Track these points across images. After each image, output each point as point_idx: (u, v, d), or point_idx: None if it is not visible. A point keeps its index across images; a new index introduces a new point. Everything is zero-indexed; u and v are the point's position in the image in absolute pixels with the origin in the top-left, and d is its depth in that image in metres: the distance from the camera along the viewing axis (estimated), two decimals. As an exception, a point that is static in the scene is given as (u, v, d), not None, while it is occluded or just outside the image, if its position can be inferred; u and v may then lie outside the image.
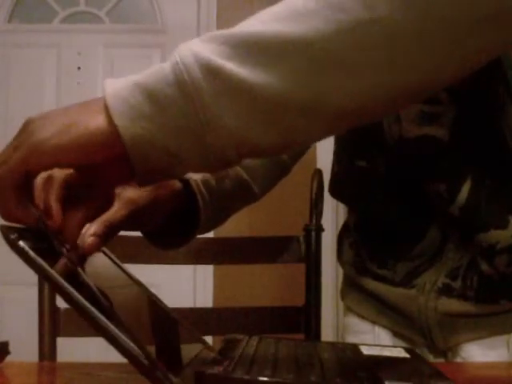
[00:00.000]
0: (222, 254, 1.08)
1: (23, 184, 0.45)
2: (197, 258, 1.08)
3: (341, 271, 0.92)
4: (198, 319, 1.03)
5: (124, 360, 0.42)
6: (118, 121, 0.43)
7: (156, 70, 0.44)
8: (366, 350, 0.57)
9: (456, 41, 0.43)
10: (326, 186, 0.97)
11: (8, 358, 0.64)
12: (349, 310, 0.88)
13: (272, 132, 0.44)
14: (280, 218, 2.60)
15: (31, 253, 0.42)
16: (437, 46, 0.42)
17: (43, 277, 0.42)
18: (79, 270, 0.44)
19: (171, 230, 0.64)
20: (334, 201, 2.76)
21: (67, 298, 0.41)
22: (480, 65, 0.45)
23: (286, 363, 0.49)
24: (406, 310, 0.77)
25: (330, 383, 0.44)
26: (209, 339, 0.57)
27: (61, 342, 0.97)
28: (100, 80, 2.73)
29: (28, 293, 1.30)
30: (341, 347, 0.59)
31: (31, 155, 0.44)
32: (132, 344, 0.41)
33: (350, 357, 0.55)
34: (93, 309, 0.41)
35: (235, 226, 2.69)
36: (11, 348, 0.64)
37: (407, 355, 0.57)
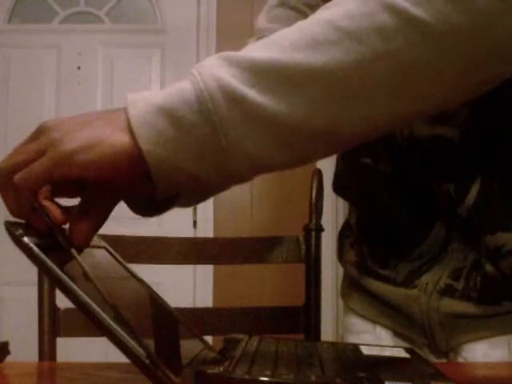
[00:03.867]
0: (222, 254, 1.08)
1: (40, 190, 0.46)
2: (197, 258, 1.08)
3: (341, 271, 0.92)
4: (198, 319, 1.03)
5: (124, 360, 0.42)
6: (144, 144, 0.44)
7: (178, 92, 0.45)
8: (366, 350, 0.57)
9: (464, 73, 0.45)
10: (326, 186, 0.97)
11: (8, 358, 0.64)
12: (349, 309, 0.88)
13: (287, 155, 0.46)
14: (280, 218, 2.60)
15: (35, 249, 0.43)
16: (447, 78, 0.45)
17: (46, 273, 0.42)
18: (85, 267, 0.44)
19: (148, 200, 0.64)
20: (334, 201, 2.76)
21: (70, 295, 0.41)
22: (485, 91, 0.48)
23: (287, 363, 0.49)
24: (408, 310, 0.77)
25: (331, 383, 0.44)
26: (209, 339, 0.57)
27: (61, 342, 0.97)
28: (100, 80, 2.73)
29: (28, 293, 1.30)
30: (341, 347, 0.59)
31: (57, 167, 0.45)
32: (134, 343, 0.41)
33: (350, 357, 0.55)
34: (96, 307, 0.41)
35: (235, 226, 2.70)
36: (11, 348, 0.64)
37: (408, 355, 0.57)
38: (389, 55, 0.44)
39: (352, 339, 0.85)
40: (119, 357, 0.43)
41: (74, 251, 0.46)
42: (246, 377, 0.43)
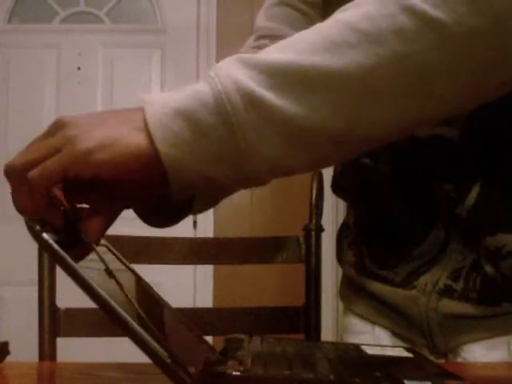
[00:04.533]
0: (222, 253, 1.08)
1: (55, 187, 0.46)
2: (197, 258, 1.08)
3: (341, 271, 0.92)
4: (198, 319, 1.03)
5: (124, 360, 0.42)
6: (161, 146, 0.44)
7: (196, 94, 0.45)
8: (368, 350, 0.57)
9: (481, 75, 0.46)
10: (326, 185, 0.97)
11: (8, 358, 0.64)
12: (348, 310, 0.88)
13: (305, 158, 0.46)
14: (280, 218, 2.60)
15: (55, 246, 0.43)
16: (464, 80, 0.45)
17: (65, 270, 0.42)
18: (108, 264, 0.44)
19: (162, 209, 0.64)
20: (334, 201, 2.75)
21: (91, 293, 0.42)
22: (501, 94, 0.48)
23: (299, 363, 0.49)
24: (407, 310, 0.77)
25: (351, 382, 0.43)
26: (209, 339, 0.57)
27: (61, 342, 0.97)
28: (100, 80, 2.74)
29: (28, 293, 1.30)
30: (343, 347, 0.59)
31: (72, 165, 0.45)
32: (155, 344, 0.41)
33: (356, 357, 0.55)
34: (118, 307, 0.41)
35: (235, 226, 2.70)
36: (11, 348, 0.64)
37: (410, 354, 0.57)
38: (407, 57, 0.44)
39: (351, 339, 0.85)
40: (119, 357, 0.43)
41: (95, 246, 0.46)
42: (271, 374, 0.43)
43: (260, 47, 0.81)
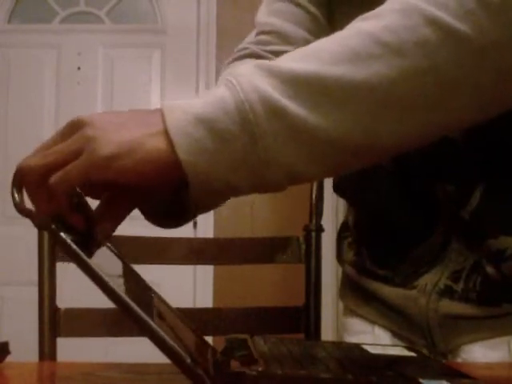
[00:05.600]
0: (222, 254, 1.08)
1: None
2: (197, 258, 1.08)
3: (341, 271, 0.92)
4: (198, 319, 1.03)
5: (124, 360, 0.42)
6: (182, 154, 0.44)
7: (216, 101, 0.45)
8: (371, 350, 0.57)
9: (503, 86, 0.46)
10: (326, 186, 0.97)
11: (8, 358, 0.64)
12: (348, 309, 0.88)
13: (324, 168, 0.47)
14: (280, 218, 2.60)
15: (73, 245, 0.43)
16: (486, 91, 0.46)
17: (83, 269, 0.42)
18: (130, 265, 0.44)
19: (169, 209, 0.64)
20: (334, 201, 2.75)
21: (109, 294, 0.42)
22: None
23: (309, 362, 0.49)
24: (407, 310, 0.77)
25: (369, 381, 0.43)
26: (209, 339, 0.57)
27: (61, 342, 0.97)
28: (100, 80, 2.73)
29: (28, 293, 1.30)
30: (345, 346, 0.59)
31: (94, 171, 0.44)
32: (174, 343, 0.41)
33: (361, 356, 0.55)
34: (136, 307, 0.41)
35: (235, 226, 2.70)
36: (11, 348, 0.64)
37: (412, 353, 0.57)
38: (431, 70, 0.44)
39: (351, 339, 0.85)
40: (119, 357, 0.43)
41: (112, 247, 0.47)
42: (295, 373, 0.43)
43: (260, 42, 0.81)
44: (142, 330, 0.41)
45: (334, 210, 2.47)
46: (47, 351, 0.95)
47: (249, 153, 0.44)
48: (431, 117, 0.46)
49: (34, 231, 0.98)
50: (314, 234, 1.06)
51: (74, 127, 0.46)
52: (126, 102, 2.64)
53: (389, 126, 0.45)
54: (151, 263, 1.04)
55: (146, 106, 2.40)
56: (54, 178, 0.45)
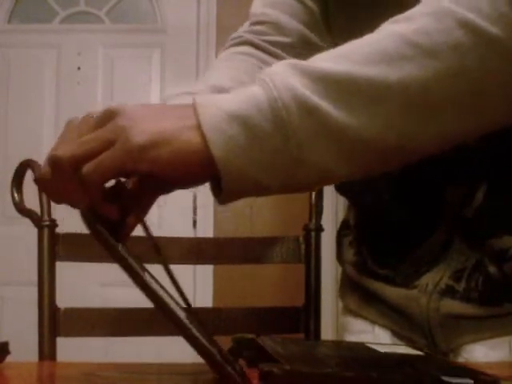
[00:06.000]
0: (222, 253, 1.08)
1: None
2: (197, 258, 1.08)
3: (341, 271, 0.92)
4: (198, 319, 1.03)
5: (124, 360, 0.42)
6: (215, 150, 0.44)
7: (249, 98, 0.45)
8: (377, 348, 0.57)
9: None
10: (326, 185, 0.97)
11: (8, 358, 0.64)
12: (347, 309, 0.88)
13: (354, 168, 0.47)
14: (280, 218, 2.60)
15: (110, 239, 0.44)
16: None
17: (120, 262, 0.42)
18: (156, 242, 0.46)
19: None
20: (335, 201, 2.75)
21: (147, 291, 0.42)
22: None
23: (326, 360, 0.49)
24: (408, 310, 0.77)
25: (395, 380, 0.43)
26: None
27: (61, 342, 0.97)
28: (100, 80, 2.73)
29: (28, 293, 1.30)
30: (351, 346, 0.59)
31: (128, 161, 0.44)
32: (205, 341, 0.41)
33: (372, 354, 0.55)
34: (173, 305, 0.41)
35: (235, 226, 2.69)
36: (11, 348, 0.64)
37: (419, 352, 0.57)
38: (463, 72, 0.44)
39: (351, 339, 0.85)
40: (119, 357, 0.43)
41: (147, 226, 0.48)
42: (326, 371, 0.43)
43: (255, 32, 0.81)
44: (176, 325, 0.41)
45: (333, 210, 2.47)
46: (47, 351, 0.95)
47: (281, 151, 0.45)
48: (463, 119, 0.46)
49: (34, 231, 0.98)
50: (313, 233, 1.06)
51: (107, 117, 0.46)
52: (126, 101, 2.63)
53: (421, 127, 0.46)
54: (151, 263, 1.04)
55: (145, 105, 2.39)
56: (86, 168, 0.45)
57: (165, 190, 0.51)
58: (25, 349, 0.90)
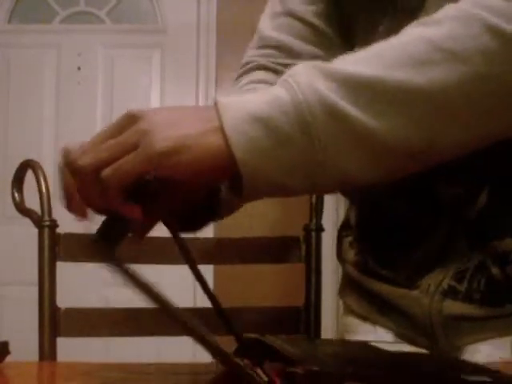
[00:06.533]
0: (222, 253, 1.08)
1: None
2: (197, 258, 1.08)
3: (341, 271, 0.92)
4: (198, 319, 1.03)
5: (124, 360, 0.42)
6: (238, 152, 0.44)
7: (273, 100, 0.45)
8: (385, 347, 0.57)
9: None
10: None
11: (8, 358, 0.64)
12: (349, 309, 0.88)
13: (380, 172, 0.47)
14: (280, 218, 2.60)
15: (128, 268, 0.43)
16: None
17: (128, 278, 0.43)
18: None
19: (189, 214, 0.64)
20: (334, 201, 2.75)
21: (146, 291, 0.42)
22: None
23: (339, 360, 0.49)
24: (409, 310, 0.77)
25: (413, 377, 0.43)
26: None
27: (61, 342, 0.97)
28: (100, 80, 2.73)
29: (28, 293, 1.30)
30: (357, 345, 0.59)
31: (148, 166, 0.44)
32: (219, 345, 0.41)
33: (380, 354, 0.55)
34: (181, 310, 0.42)
35: (235, 226, 2.69)
36: (11, 348, 0.64)
37: (424, 351, 0.57)
38: (491, 77, 0.44)
39: (352, 339, 0.85)
40: (119, 357, 0.43)
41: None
42: (349, 371, 0.42)
43: (267, 56, 0.81)
44: (186, 331, 0.41)
45: (334, 210, 2.47)
46: (47, 351, 0.95)
47: (305, 154, 0.44)
48: (489, 125, 0.46)
49: (34, 231, 0.98)
50: (314, 233, 1.06)
51: (128, 121, 0.46)
52: (126, 101, 2.64)
53: (448, 132, 0.45)
54: (151, 263, 1.04)
55: (146, 106, 2.39)
56: (106, 172, 0.44)
57: (185, 190, 0.51)
58: (25, 349, 0.90)
